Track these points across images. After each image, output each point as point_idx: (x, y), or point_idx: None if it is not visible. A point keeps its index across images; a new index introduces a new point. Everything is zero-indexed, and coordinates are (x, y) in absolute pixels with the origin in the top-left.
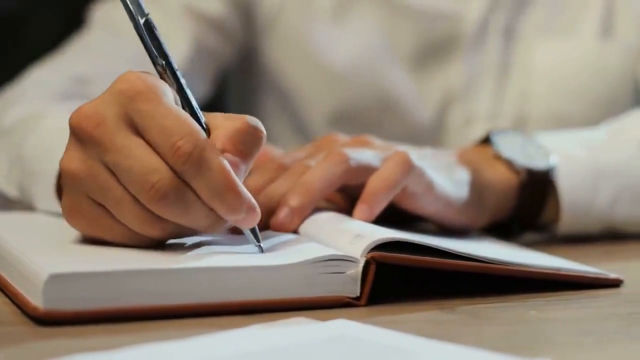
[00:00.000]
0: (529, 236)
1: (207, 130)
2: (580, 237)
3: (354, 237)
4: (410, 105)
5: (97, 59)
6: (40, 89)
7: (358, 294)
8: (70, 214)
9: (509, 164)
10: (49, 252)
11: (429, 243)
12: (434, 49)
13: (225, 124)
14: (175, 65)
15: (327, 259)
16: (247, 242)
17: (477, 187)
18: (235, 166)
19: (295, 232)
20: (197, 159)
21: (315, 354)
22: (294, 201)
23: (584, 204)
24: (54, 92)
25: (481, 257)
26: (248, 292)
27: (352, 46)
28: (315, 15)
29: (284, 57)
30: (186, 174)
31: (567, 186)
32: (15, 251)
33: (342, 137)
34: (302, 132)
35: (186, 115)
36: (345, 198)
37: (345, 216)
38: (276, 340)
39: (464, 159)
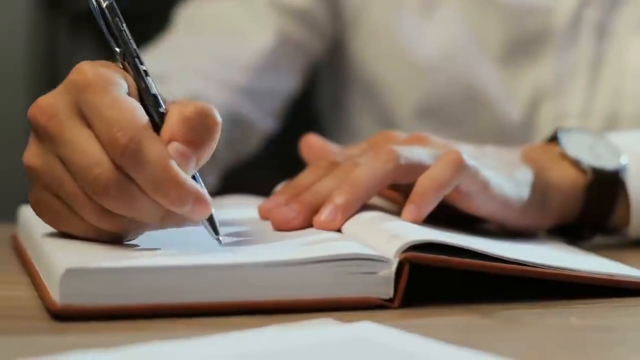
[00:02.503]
0: (600, 240)
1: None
2: None
3: (391, 237)
4: (498, 101)
5: (177, 56)
6: None
7: (391, 296)
8: (35, 208)
9: (576, 163)
10: (73, 247)
11: (466, 245)
12: (524, 45)
13: (175, 111)
14: (136, 51)
15: (353, 257)
16: (281, 237)
17: (541, 187)
18: (183, 156)
19: (339, 230)
20: (134, 151)
21: (328, 357)
22: (339, 199)
23: None
24: None
25: (521, 260)
26: (274, 291)
27: (440, 40)
28: (402, 9)
29: (370, 50)
30: (125, 167)
31: (637, 187)
32: (45, 244)
33: (398, 135)
34: (389, 127)
35: (133, 106)
36: (403, 196)
37: (391, 216)
38: (292, 341)
39: (528, 158)
